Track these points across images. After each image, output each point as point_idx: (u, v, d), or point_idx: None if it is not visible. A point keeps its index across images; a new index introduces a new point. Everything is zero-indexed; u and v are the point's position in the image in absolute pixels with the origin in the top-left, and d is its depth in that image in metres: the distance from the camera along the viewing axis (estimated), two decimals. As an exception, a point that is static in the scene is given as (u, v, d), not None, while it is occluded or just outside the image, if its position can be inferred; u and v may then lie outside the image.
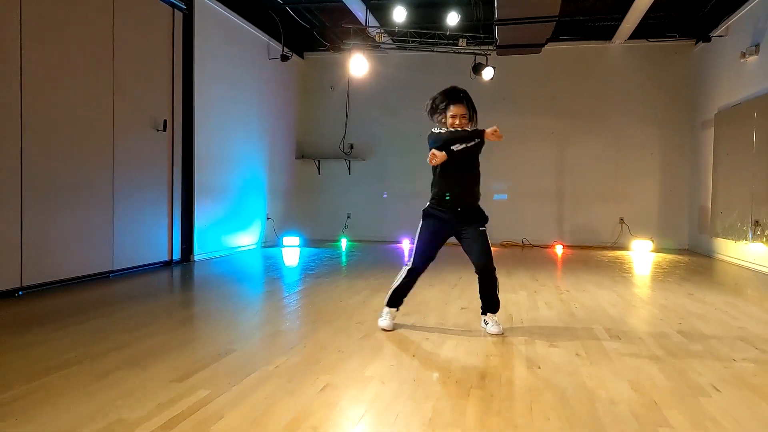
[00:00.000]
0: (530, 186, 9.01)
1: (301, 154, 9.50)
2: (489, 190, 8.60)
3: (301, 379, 2.42)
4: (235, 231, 7.40)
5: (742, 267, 6.67)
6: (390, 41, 8.38)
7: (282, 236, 8.40)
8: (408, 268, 3.41)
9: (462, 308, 3.93)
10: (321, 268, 6.16)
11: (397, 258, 7.31)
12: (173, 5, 6.07)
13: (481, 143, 3.23)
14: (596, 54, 8.82)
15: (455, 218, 3.31)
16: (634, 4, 6.95)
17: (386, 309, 3.42)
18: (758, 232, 6.29)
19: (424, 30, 7.96)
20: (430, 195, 3.43)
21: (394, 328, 3.36)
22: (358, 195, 9.44)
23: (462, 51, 8.20)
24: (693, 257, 7.65)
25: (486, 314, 3.39)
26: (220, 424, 1.95)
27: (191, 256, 6.35)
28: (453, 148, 3.16)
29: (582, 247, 8.69)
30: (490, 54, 8.24)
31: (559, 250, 8.40)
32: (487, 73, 8.03)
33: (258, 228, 8.06)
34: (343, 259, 7.14)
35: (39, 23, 4.44)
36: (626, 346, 3.08)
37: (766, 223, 6.12)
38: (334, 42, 8.64)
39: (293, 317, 3.78)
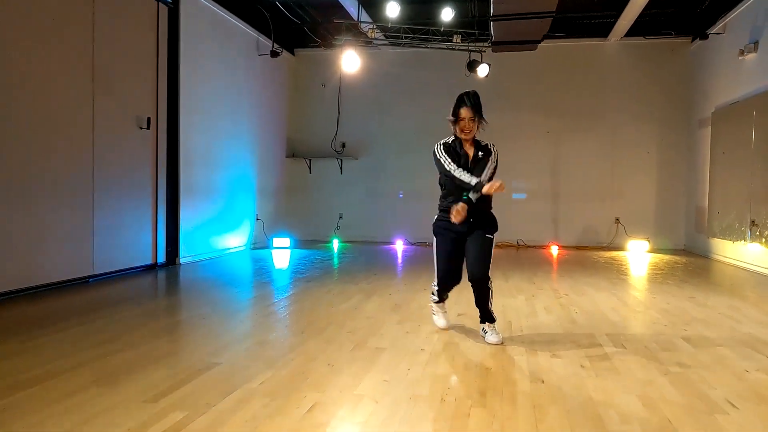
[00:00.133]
0: (525, 185, 8.86)
1: (292, 153, 9.29)
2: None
3: (286, 398, 2.23)
4: (223, 232, 7.19)
5: (739, 268, 6.57)
6: (383, 37, 8.19)
7: (272, 237, 8.19)
8: (437, 290, 3.40)
9: (459, 314, 3.76)
10: (312, 270, 5.97)
11: (391, 259, 7.13)
12: (157, -2, 5.85)
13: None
14: (592, 51, 8.68)
15: (467, 226, 3.18)
16: (632, 1, 6.81)
17: (435, 306, 3.46)
18: (757, 233, 6.18)
19: (418, 26, 7.78)
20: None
21: (450, 327, 3.43)
22: (350, 195, 9.25)
23: (456, 48, 8.03)
24: (690, 258, 7.54)
25: (484, 323, 3.23)
26: (196, 452, 1.77)
27: (177, 259, 6.13)
28: (471, 197, 3.06)
29: (577, 248, 8.56)
30: (485, 51, 8.08)
31: (554, 250, 8.26)
32: (482, 71, 7.87)
33: (247, 229, 7.85)
34: (335, 261, 6.95)
35: (14, 15, 4.21)
36: (632, 356, 2.93)
37: (766, 223, 6.01)
38: (326, 38, 8.44)
39: (281, 325, 3.59)
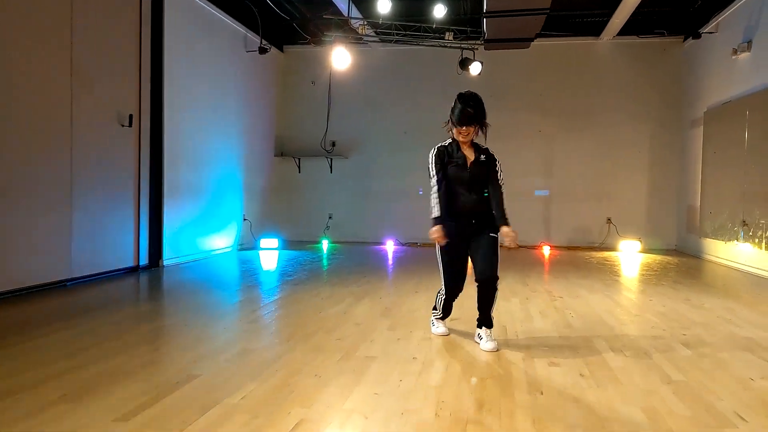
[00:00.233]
0: (517, 185, 8.76)
1: (281, 152, 9.11)
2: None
3: (269, 415, 2.08)
4: (209, 233, 7.00)
5: (731, 268, 6.51)
6: (373, 34, 8.05)
7: (259, 238, 8.01)
8: (444, 298, 3.29)
9: (452, 319, 3.63)
10: (300, 272, 5.81)
11: (381, 260, 7.00)
12: (140, -9, 5.66)
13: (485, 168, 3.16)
14: (584, 50, 8.60)
15: (469, 228, 3.13)
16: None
17: (435, 320, 3.37)
18: (750, 233, 6.12)
19: (410, 23, 7.64)
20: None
21: (449, 332, 3.34)
22: (340, 194, 9.09)
23: (449, 45, 7.91)
24: (682, 258, 7.49)
25: (481, 328, 3.10)
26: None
27: (160, 261, 5.94)
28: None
29: (569, 248, 8.48)
30: (477, 48, 7.97)
31: (546, 251, 8.17)
32: (475, 68, 7.75)
33: (234, 230, 7.67)
34: (324, 262, 6.80)
35: (-16, 6, 4.01)
36: (633, 363, 2.81)
37: (759, 223, 5.95)
38: (315, 35, 8.27)
39: (266, 332, 3.43)
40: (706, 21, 7.40)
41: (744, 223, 6.23)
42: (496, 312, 3.87)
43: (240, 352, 2.94)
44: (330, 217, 9.10)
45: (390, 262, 6.93)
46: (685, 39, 8.16)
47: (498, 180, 3.17)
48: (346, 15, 7.39)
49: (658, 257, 7.57)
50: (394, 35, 7.86)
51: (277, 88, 9.08)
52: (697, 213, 7.65)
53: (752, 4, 6.36)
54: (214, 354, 2.89)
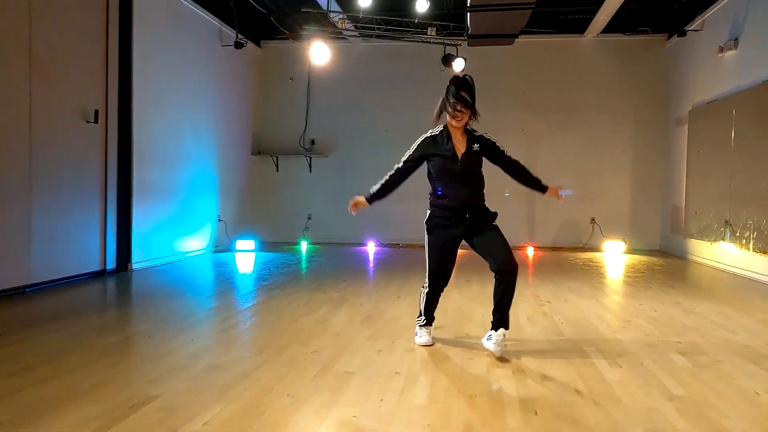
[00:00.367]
0: (499, 185, 8.60)
1: (258, 150, 8.82)
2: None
3: (234, 446, 1.85)
4: (182, 235, 6.69)
5: (717, 269, 6.44)
6: (353, 28, 7.80)
7: (235, 240, 7.71)
8: (426, 292, 3.14)
9: (436, 327, 3.42)
10: (277, 276, 5.55)
11: (362, 263, 6.76)
12: (106, -21, 5.33)
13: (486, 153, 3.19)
14: (569, 48, 8.48)
15: (464, 223, 2.98)
16: (611, -6, 6.61)
17: (419, 328, 3.17)
18: (736, 234, 6.05)
19: (391, 17, 7.42)
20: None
21: (434, 342, 3.12)
22: (319, 194, 8.82)
23: (431, 41, 7.71)
24: (666, 259, 7.41)
25: (497, 329, 2.90)
26: None
27: (129, 264, 5.62)
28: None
29: (553, 249, 8.36)
30: (460, 44, 7.78)
31: (530, 252, 8.03)
32: (458, 65, 7.56)
33: (208, 231, 7.36)
34: (303, 265, 6.55)
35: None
36: (630, 376, 2.64)
37: (746, 224, 5.87)
38: (294, 29, 7.99)
39: (237, 345, 3.18)
40: (691, 18, 7.32)
41: (729, 224, 6.15)
42: (482, 317, 3.69)
43: (206, 367, 2.68)
44: (309, 218, 8.84)
45: (371, 264, 6.70)
46: (669, 37, 8.09)
47: (509, 158, 3.20)
48: (325, 9, 7.14)
49: (643, 258, 7.48)
50: (375, 30, 7.63)
51: (254, 84, 8.78)
52: (682, 213, 7.58)
53: (738, 2, 6.28)
54: (177, 370, 2.63)
